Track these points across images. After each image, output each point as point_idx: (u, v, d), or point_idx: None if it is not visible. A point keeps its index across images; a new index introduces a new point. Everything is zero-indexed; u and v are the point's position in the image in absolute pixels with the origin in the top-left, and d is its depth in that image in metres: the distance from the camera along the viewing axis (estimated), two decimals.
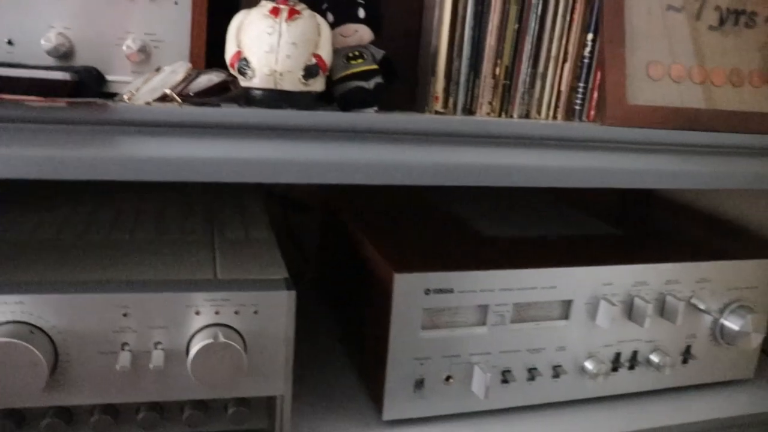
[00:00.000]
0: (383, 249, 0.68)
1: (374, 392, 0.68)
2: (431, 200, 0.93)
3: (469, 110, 0.67)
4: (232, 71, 0.58)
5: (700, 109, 0.67)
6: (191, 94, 0.53)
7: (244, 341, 0.57)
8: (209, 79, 0.54)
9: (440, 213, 0.86)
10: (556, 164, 0.57)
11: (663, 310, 0.72)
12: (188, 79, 0.53)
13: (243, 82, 0.57)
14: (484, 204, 0.92)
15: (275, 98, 0.57)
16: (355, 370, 0.77)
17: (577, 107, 0.69)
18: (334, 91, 0.64)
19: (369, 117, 0.52)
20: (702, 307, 0.72)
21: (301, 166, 0.49)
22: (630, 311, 0.71)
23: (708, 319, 0.75)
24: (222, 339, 0.55)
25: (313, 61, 0.58)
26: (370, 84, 0.63)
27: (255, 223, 0.73)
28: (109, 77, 0.60)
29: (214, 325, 0.57)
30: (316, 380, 0.74)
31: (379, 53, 0.65)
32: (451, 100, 0.66)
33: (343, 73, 0.63)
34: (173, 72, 0.52)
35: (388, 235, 0.74)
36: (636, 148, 0.61)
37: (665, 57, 0.67)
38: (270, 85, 0.57)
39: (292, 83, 0.57)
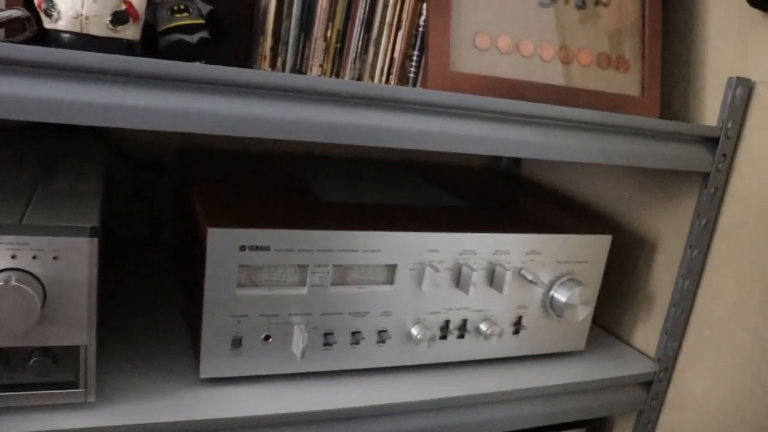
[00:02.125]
0: (205, 205, 0.68)
1: (195, 350, 0.68)
2: (284, 169, 0.92)
3: (299, 71, 0.67)
4: (40, 12, 0.57)
5: (525, 81, 0.68)
6: None
7: (43, 288, 0.56)
8: (2, 15, 0.53)
9: (287, 180, 0.86)
10: (369, 123, 0.58)
11: (492, 279, 0.73)
12: None
13: (49, 24, 0.56)
14: (339, 175, 0.92)
15: (82, 42, 0.56)
16: (188, 330, 0.76)
17: (412, 75, 0.70)
18: (159, 44, 0.63)
19: (162, 63, 0.51)
20: (530, 278, 0.74)
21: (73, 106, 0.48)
22: (458, 279, 0.72)
23: (539, 291, 0.76)
24: (13, 282, 0.54)
25: (123, 7, 0.57)
26: (193, 38, 0.63)
27: (88, 177, 0.72)
28: None
29: (9, 270, 0.56)
30: (146, 338, 0.73)
31: (206, 8, 0.64)
32: (279, 61, 0.67)
33: (166, 26, 0.63)
34: None
35: (217, 194, 0.73)
36: (455, 113, 0.62)
37: (493, 28, 0.68)
38: (75, 29, 0.56)
39: (99, 28, 0.56)
